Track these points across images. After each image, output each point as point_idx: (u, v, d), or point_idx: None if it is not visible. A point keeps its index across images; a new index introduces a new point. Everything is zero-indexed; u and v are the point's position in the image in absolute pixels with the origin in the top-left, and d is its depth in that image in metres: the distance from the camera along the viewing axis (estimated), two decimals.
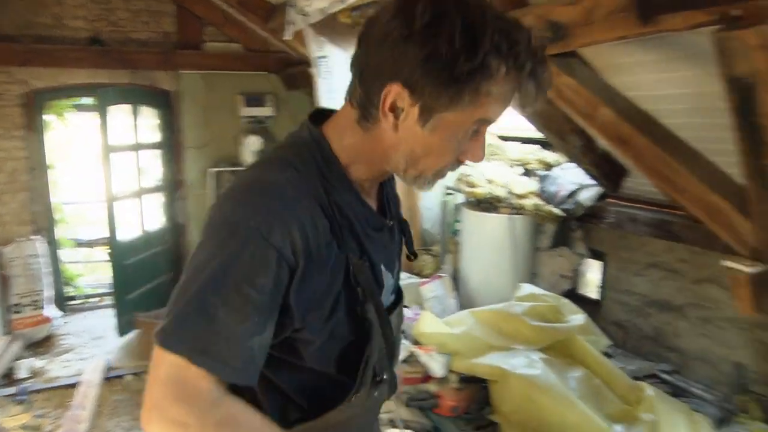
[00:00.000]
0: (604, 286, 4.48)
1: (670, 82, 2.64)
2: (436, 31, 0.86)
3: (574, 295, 4.42)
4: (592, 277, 4.61)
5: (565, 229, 4.39)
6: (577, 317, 3.23)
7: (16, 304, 5.32)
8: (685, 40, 2.31)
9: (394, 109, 0.94)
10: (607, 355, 3.33)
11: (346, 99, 1.03)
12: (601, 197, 4.09)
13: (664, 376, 3.86)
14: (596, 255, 4.48)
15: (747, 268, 1.91)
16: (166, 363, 0.88)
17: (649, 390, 2.83)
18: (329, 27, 3.80)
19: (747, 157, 1.82)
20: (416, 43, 0.87)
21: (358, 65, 0.98)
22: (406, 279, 4.33)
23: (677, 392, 3.44)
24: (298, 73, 5.84)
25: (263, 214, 0.91)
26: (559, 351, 3.02)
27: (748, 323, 3.51)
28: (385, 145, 0.99)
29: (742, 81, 1.76)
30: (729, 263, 1.96)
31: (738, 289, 1.94)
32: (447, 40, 0.86)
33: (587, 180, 4.05)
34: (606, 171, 3.56)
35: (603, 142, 3.15)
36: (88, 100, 7.05)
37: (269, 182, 0.95)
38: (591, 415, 2.54)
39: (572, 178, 4.11)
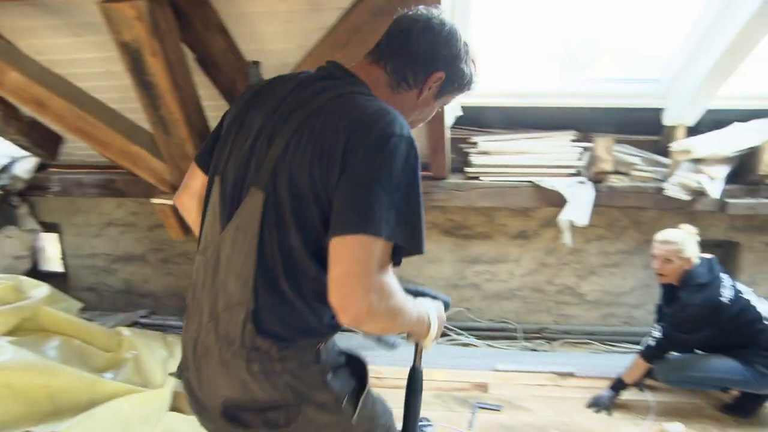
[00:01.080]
0: (65, 256, 4.44)
1: (78, 47, 2.78)
2: (466, 53, 1.37)
3: (37, 273, 4.22)
4: (52, 250, 4.48)
5: (6, 206, 4.06)
6: (40, 290, 3.16)
7: None
8: (81, 8, 2.47)
9: (429, 86, 1.34)
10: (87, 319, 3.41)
11: (372, 64, 1.32)
12: (42, 167, 3.96)
13: (144, 320, 4.25)
14: (50, 227, 4.37)
15: (171, 201, 2.35)
16: (372, 252, 1.06)
17: (125, 332, 3.11)
18: None
19: (148, 110, 2.22)
20: (459, 57, 1.35)
21: (410, 53, 1.30)
22: None
23: (159, 330, 3.84)
24: None
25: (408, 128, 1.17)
26: (31, 327, 2.93)
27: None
28: (404, 104, 1.32)
29: (130, 46, 2.10)
30: (155, 200, 2.36)
31: (167, 220, 2.37)
32: (467, 62, 1.37)
33: (21, 152, 3.84)
34: (38, 140, 3.47)
35: (26, 109, 3.06)
36: None
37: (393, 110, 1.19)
38: (78, 374, 2.64)
39: (2, 151, 3.81)
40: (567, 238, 3.44)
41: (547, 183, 3.44)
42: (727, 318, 2.77)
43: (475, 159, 3.57)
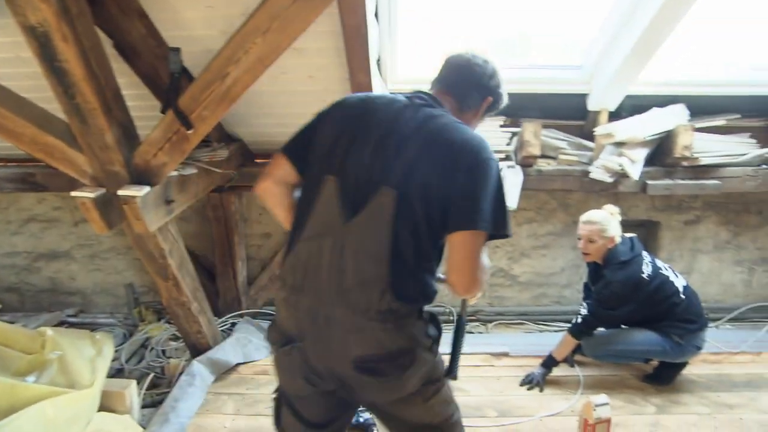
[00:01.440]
0: None
1: None
2: (502, 82, 1.78)
3: None
4: None
5: None
6: None
7: None
8: None
9: (483, 108, 1.77)
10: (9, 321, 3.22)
11: (444, 93, 1.73)
12: None
13: (71, 319, 4.07)
14: None
15: (91, 194, 2.25)
16: (481, 242, 1.53)
17: (49, 332, 2.96)
18: None
19: (62, 99, 2.10)
20: (500, 86, 1.77)
21: (470, 84, 1.73)
22: None
23: (88, 328, 3.69)
24: None
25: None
26: None
27: (125, 247, 4.06)
28: (467, 122, 1.69)
29: (37, 30, 1.97)
30: (75, 194, 2.25)
31: (89, 214, 2.27)
32: (504, 89, 1.79)
33: None
34: None
35: None
36: None
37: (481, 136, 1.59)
38: None
39: None
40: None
41: None
42: (647, 293, 2.93)
43: None
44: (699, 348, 3.00)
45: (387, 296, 1.48)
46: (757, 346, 3.62)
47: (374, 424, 2.74)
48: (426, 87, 1.74)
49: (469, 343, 3.36)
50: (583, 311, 3.02)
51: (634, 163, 3.42)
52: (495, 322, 4.00)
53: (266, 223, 3.93)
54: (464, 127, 1.57)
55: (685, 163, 3.55)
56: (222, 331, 3.74)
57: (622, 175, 3.47)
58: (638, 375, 3.25)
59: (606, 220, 3.00)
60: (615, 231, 3.00)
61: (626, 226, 3.94)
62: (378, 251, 1.47)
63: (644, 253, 3.03)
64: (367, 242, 1.48)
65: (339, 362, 1.54)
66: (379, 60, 3.23)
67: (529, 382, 3.15)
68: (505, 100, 1.81)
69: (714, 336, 3.68)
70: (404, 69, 3.44)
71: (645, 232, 3.99)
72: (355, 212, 1.49)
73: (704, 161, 3.57)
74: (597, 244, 3.02)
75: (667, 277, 2.99)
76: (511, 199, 3.40)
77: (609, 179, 3.43)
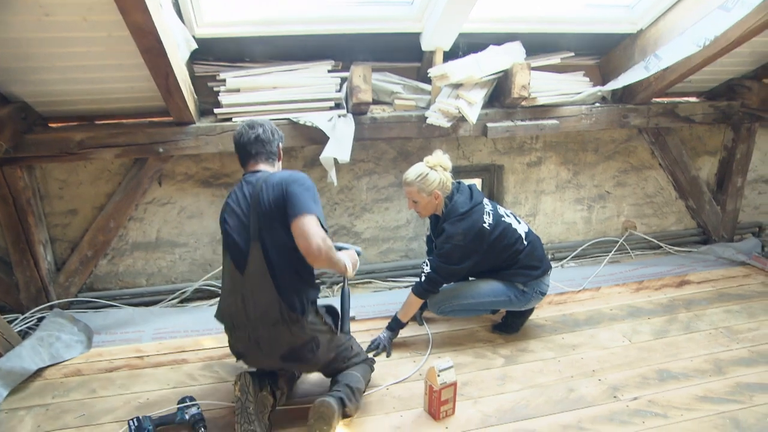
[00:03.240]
0: None
1: None
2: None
3: None
4: None
5: None
6: None
7: None
8: None
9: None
10: None
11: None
12: None
13: None
14: None
15: None
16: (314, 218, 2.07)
17: None
18: None
19: None
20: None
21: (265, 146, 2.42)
22: None
23: None
24: None
25: None
26: None
27: None
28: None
29: None
30: None
31: None
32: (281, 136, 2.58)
33: None
34: None
35: None
36: None
37: None
38: None
39: None
40: (332, 176, 3.18)
41: (306, 119, 3.11)
42: (490, 243, 2.75)
43: (224, 98, 3.09)
44: (543, 293, 2.91)
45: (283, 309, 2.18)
46: (596, 281, 3.69)
47: (202, 420, 2.36)
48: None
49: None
50: (426, 269, 2.80)
51: (471, 106, 3.20)
52: (340, 284, 3.69)
53: (69, 199, 3.25)
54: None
55: (524, 103, 3.42)
56: (28, 329, 3.10)
57: (460, 119, 3.25)
58: (487, 326, 3.14)
59: (422, 177, 2.73)
60: (437, 184, 2.74)
61: (471, 171, 3.81)
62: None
63: (485, 201, 2.84)
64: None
65: (272, 362, 2.33)
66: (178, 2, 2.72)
67: (375, 347, 2.91)
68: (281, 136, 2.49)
69: (560, 276, 3.69)
70: (212, 12, 2.90)
71: (490, 176, 3.87)
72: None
73: (542, 101, 3.46)
74: (422, 202, 2.79)
75: (510, 224, 2.84)
76: (344, 152, 3.05)
77: (446, 124, 3.20)
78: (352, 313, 3.27)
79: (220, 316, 2.35)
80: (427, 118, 3.23)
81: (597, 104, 3.61)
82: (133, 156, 3.10)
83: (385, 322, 2.99)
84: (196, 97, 3.17)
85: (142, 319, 3.26)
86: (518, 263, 2.83)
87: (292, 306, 2.16)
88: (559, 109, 3.52)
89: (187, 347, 3.01)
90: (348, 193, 3.59)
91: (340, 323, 2.47)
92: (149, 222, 3.38)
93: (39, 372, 2.78)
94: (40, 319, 3.18)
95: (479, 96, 3.26)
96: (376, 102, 3.38)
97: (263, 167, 2.35)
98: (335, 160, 3.12)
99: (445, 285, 2.87)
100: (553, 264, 3.91)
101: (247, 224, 2.19)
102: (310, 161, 3.43)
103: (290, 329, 2.19)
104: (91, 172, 3.23)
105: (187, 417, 2.38)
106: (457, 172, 3.76)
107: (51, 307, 3.28)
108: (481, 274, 2.94)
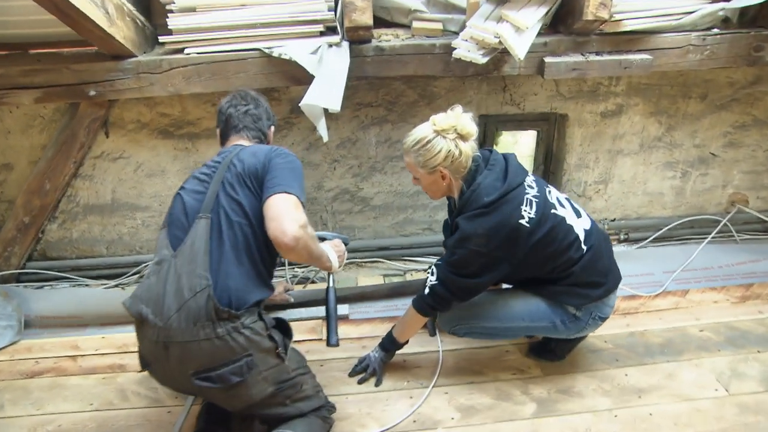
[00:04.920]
0: None
1: None
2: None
3: None
4: None
5: None
6: None
7: None
8: None
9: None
10: None
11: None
12: None
13: None
14: None
15: None
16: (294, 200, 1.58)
17: None
18: None
19: None
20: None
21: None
22: None
23: None
24: None
25: None
26: None
27: None
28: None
29: None
30: None
31: None
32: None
33: None
34: None
35: None
36: None
37: None
38: None
39: None
40: (321, 129, 2.34)
41: (282, 51, 2.22)
42: (530, 247, 1.84)
43: (174, 21, 2.24)
44: (603, 318, 2.01)
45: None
46: (683, 279, 2.71)
47: None
48: None
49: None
50: (432, 279, 1.95)
51: (520, 33, 2.18)
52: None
53: (0, 150, 2.61)
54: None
55: (601, 29, 2.35)
56: None
57: (503, 51, 2.25)
58: (521, 345, 2.31)
59: (420, 145, 1.82)
60: (443, 158, 1.80)
61: (522, 121, 2.81)
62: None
63: (528, 182, 1.91)
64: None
65: (182, 382, 1.64)
66: None
67: (361, 370, 2.18)
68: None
69: (631, 268, 2.72)
70: None
71: (548, 128, 2.86)
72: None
73: (629, 25, 2.36)
74: (424, 182, 1.90)
75: (563, 219, 1.90)
76: (334, 98, 2.17)
77: (481, 59, 2.20)
78: (344, 311, 2.54)
79: (129, 303, 1.64)
80: (454, 49, 2.25)
81: (715, 30, 2.46)
82: (57, 100, 2.37)
83: (387, 327, 2.22)
84: (143, 19, 2.34)
85: (93, 301, 2.65)
86: (571, 277, 1.92)
87: (225, 299, 1.56)
88: (653, 38, 2.41)
89: (132, 346, 2.36)
90: (351, 147, 2.72)
91: (326, 334, 2.04)
92: (100, 180, 2.69)
93: None
94: None
95: (533, 17, 2.22)
96: (388, 24, 2.42)
97: (246, 144, 1.89)
98: (323, 108, 2.26)
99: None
100: (626, 247, 2.98)
101: (204, 194, 1.70)
102: (297, 107, 2.56)
103: (215, 332, 1.54)
104: (18, 118, 2.54)
105: None
106: (503, 121, 2.78)
107: None
108: (514, 281, 2.08)
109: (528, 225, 1.80)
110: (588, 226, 1.97)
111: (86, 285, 2.80)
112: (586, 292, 1.93)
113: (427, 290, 1.95)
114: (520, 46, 2.16)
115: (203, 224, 1.63)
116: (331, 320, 2.03)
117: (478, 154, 1.89)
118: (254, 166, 1.69)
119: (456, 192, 1.90)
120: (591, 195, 2.93)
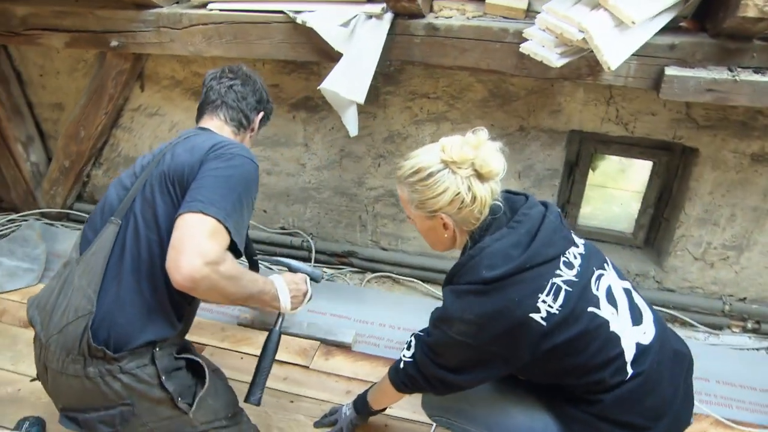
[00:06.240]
0: None
1: None
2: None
3: None
4: None
5: None
6: None
7: None
8: None
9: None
10: None
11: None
12: None
13: None
14: None
15: None
16: (211, 224, 1.20)
17: None
18: None
19: None
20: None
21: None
22: None
23: None
24: None
25: None
26: None
27: None
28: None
29: None
30: None
31: None
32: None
33: None
34: None
35: None
36: None
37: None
38: None
39: None
40: (348, 122, 1.89)
41: (306, 18, 1.78)
42: (542, 353, 1.25)
43: None
44: None
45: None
46: None
47: None
48: None
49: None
50: (407, 354, 1.45)
51: (622, 29, 1.48)
52: (373, 274, 2.48)
53: (52, 90, 2.57)
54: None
55: (762, 27, 1.55)
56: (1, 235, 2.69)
57: (592, 52, 1.57)
58: None
59: (427, 179, 1.25)
60: (448, 200, 1.24)
61: (632, 146, 2.07)
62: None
63: (569, 256, 1.29)
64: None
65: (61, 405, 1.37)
66: None
67: (329, 424, 1.79)
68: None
69: (754, 379, 1.91)
70: None
71: (668, 162, 2.08)
72: None
73: None
74: (420, 226, 1.37)
75: (605, 323, 1.26)
76: (357, 84, 1.71)
77: (556, 60, 1.55)
78: (347, 338, 2.13)
79: (30, 302, 1.42)
80: (525, 40, 1.62)
81: None
82: (85, 47, 2.20)
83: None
84: None
85: None
86: (597, 406, 1.30)
87: (103, 335, 1.24)
88: None
89: None
90: (401, 143, 2.22)
91: (249, 388, 1.56)
92: (138, 135, 2.55)
93: None
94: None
95: (650, 7, 1.49)
96: None
97: (216, 127, 1.55)
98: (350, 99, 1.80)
99: None
100: (751, 341, 2.12)
101: (128, 190, 1.39)
102: None
103: (85, 371, 1.25)
104: (64, 60, 2.46)
105: None
106: (604, 142, 2.08)
107: (43, 215, 2.79)
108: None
109: (544, 323, 1.21)
110: (649, 339, 1.31)
111: None
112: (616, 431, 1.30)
113: (401, 364, 1.47)
114: (613, 50, 1.46)
115: (111, 231, 1.33)
116: (261, 372, 1.60)
117: (499, 202, 1.30)
118: (182, 166, 1.32)
119: (459, 244, 1.36)
120: (713, 261, 2.11)
